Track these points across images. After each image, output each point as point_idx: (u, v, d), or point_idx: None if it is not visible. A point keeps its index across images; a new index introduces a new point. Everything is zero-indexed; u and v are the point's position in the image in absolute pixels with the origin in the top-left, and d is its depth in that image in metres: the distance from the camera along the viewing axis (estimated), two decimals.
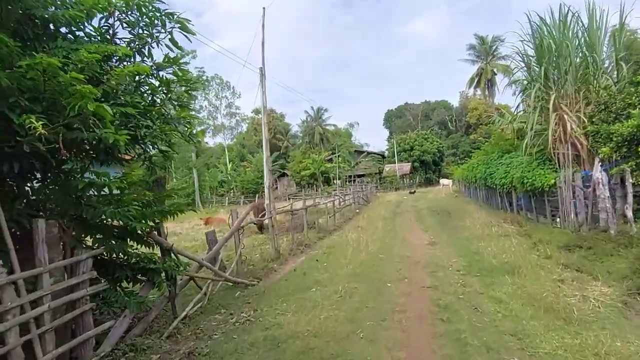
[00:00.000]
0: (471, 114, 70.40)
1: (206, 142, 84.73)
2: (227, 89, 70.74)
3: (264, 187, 55.06)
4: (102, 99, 5.01)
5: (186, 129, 6.25)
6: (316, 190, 54.68)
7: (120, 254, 5.62)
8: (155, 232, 6.34)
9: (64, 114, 4.14)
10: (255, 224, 17.11)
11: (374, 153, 69.63)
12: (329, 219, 18.98)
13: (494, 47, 54.26)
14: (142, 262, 5.76)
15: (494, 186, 17.53)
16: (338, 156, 56.27)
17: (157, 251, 6.44)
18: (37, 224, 4.39)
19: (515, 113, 15.84)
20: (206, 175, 57.24)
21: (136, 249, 6.13)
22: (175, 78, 5.85)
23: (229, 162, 64.87)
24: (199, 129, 55.29)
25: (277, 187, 65.13)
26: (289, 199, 52.58)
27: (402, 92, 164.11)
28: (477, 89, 56.12)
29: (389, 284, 7.36)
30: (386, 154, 72.94)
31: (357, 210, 26.24)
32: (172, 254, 6.52)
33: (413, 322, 5.40)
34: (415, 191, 42.64)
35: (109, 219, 5.10)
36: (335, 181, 57.67)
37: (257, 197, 53.21)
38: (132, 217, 5.13)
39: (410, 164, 60.38)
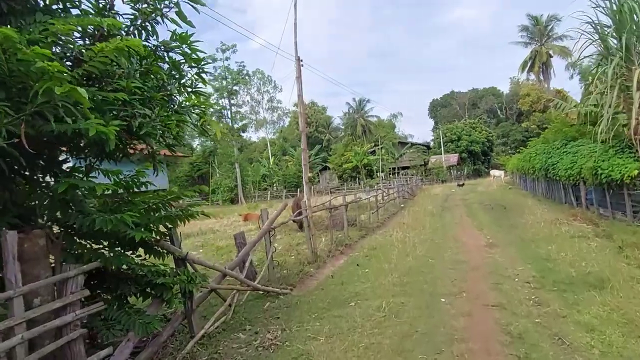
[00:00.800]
0: (523, 100, 66.49)
1: (249, 137, 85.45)
2: (269, 83, 70.70)
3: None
4: (87, 83, 4.17)
5: (198, 118, 5.31)
6: (358, 184, 53.40)
7: (122, 267, 4.77)
8: (168, 239, 5.50)
9: (34, 101, 3.27)
10: (294, 221, 16.26)
11: (419, 144, 67.31)
12: (372, 215, 17.80)
13: (549, 27, 50.55)
14: (149, 275, 4.90)
15: (557, 178, 15.71)
16: (381, 148, 54.62)
17: (171, 260, 5.60)
18: (5, 236, 3.57)
19: (584, 95, 13.94)
20: (249, 170, 57.29)
21: (144, 259, 5.30)
22: (182, 59, 4.93)
23: (272, 156, 64.75)
24: (241, 123, 55.46)
25: (319, 181, 64.38)
26: (330, 193, 51.68)
27: (447, 80, 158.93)
28: (530, 73, 52.61)
29: (443, 299, 6.15)
30: (432, 144, 70.39)
31: (402, 205, 24.85)
32: (188, 264, 5.65)
33: (478, 358, 4.21)
34: (463, 183, 40.49)
35: (100, 227, 4.24)
36: (378, 174, 56.13)
37: (298, 192, 52.62)
38: (129, 224, 4.25)
39: (457, 154, 57.78)
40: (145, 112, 4.28)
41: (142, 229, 4.63)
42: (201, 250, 13.99)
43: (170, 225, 5.46)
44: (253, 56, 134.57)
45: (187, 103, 5.17)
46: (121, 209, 4.97)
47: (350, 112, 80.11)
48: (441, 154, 56.04)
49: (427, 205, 23.05)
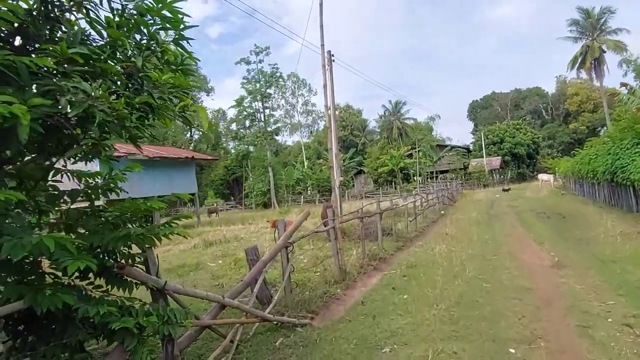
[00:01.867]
0: (570, 100, 62.67)
1: (284, 141, 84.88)
2: (304, 86, 69.92)
3: (339, 186, 53.16)
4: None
5: (178, 102, 3.95)
6: (395, 188, 51.43)
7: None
8: (142, 264, 4.17)
9: None
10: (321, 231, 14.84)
11: (458, 147, 64.47)
12: (409, 223, 16.11)
13: (602, 20, 46.95)
14: (103, 316, 3.55)
15: (627, 182, 13.55)
16: (418, 151, 52.42)
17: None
18: None
19: None
20: (282, 174, 56.42)
21: (105, 290, 3.96)
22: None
23: (306, 160, 63.70)
24: (274, 126, 54.60)
25: (353, 185, 62.73)
26: (365, 197, 49.96)
27: (486, 81, 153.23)
28: (580, 70, 49.08)
29: (512, 349, 4.48)
30: (472, 147, 67.42)
31: (442, 212, 22.94)
32: (169, 297, 4.29)
33: None
34: (509, 188, 37.82)
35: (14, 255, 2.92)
36: (415, 178, 53.94)
37: (332, 196, 51.22)
38: (51, 249, 2.91)
39: (500, 157, 54.73)
40: (82, 87, 2.93)
41: (93, 254, 3.31)
42: (220, 262, 12.76)
43: (148, 245, 4.12)
44: (288, 62, 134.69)
45: (165, 82, 3.82)
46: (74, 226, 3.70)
47: (386, 114, 78.20)
48: (482, 157, 53.24)
49: (471, 212, 21.06)
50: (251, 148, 56.21)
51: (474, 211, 21.49)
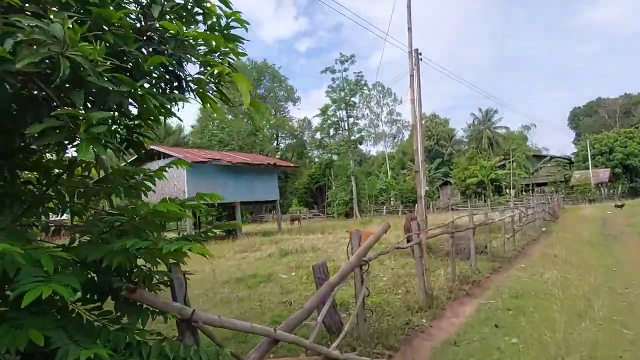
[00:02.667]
0: None
1: (368, 151, 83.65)
2: (389, 95, 68.47)
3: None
4: None
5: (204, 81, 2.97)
6: (484, 201, 47.78)
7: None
8: (159, 283, 3.24)
9: None
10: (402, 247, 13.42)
11: (558, 157, 58.58)
12: (507, 240, 14.05)
13: None
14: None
15: None
16: (512, 161, 48.22)
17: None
18: None
19: None
20: (365, 183, 55.20)
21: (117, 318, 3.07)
22: None
23: (390, 170, 61.93)
24: (358, 135, 53.60)
25: (438, 197, 59.63)
26: (451, 210, 46.97)
27: (589, 87, 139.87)
28: None
29: None
30: (573, 158, 60.94)
31: (543, 229, 20.19)
32: (198, 330, 3.31)
33: None
34: (623, 204, 33.01)
35: None
36: (507, 190, 49.75)
37: (416, 207, 48.88)
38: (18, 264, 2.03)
39: (609, 169, 48.58)
40: (48, 28, 1.98)
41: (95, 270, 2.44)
42: (293, 274, 11.86)
43: (172, 261, 3.18)
44: (372, 73, 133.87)
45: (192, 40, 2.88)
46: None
47: (475, 123, 73.92)
48: (588, 169, 47.53)
49: (580, 230, 18.21)
50: (335, 157, 55.79)
51: (584, 230, 18.57)
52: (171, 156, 23.99)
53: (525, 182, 50.19)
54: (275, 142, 65.69)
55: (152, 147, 25.88)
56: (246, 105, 2.84)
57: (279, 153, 63.16)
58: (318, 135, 58.52)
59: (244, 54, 3.32)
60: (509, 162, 49.28)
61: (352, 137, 51.58)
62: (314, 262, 13.53)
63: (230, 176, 25.77)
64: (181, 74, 3.05)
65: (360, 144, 54.85)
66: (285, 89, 67.73)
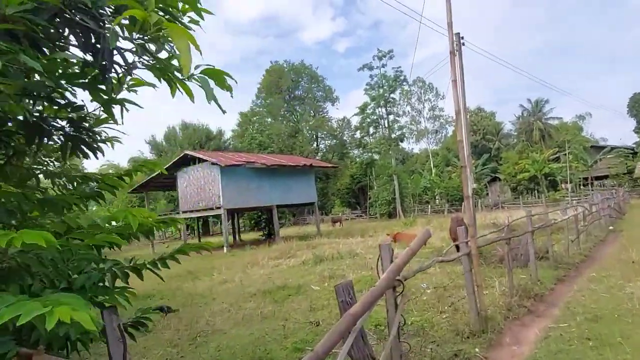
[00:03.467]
0: None
1: (411, 149, 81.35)
2: (430, 90, 66.19)
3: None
4: None
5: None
6: (537, 197, 44.78)
7: None
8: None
9: None
10: (447, 259, 12.04)
11: (620, 148, 54.05)
12: (571, 242, 12.34)
13: None
14: None
15: None
16: (568, 154, 44.83)
17: None
18: None
19: None
20: (408, 182, 53.37)
21: None
22: None
23: (434, 168, 59.66)
24: (398, 132, 51.83)
25: (487, 194, 56.73)
26: (502, 207, 44.33)
27: None
28: None
29: None
30: (636, 148, 56.15)
31: (611, 227, 18.04)
32: None
33: None
34: None
35: None
36: (563, 185, 46.34)
37: (463, 206, 46.51)
38: None
39: None
40: None
41: None
42: (326, 284, 10.80)
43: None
44: (414, 70, 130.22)
45: None
46: None
47: (525, 115, 70.20)
48: None
49: None
50: (375, 156, 54.31)
51: None
52: (205, 161, 23.61)
53: (583, 176, 46.56)
54: (315, 143, 64.94)
55: (186, 152, 25.69)
56: (186, 71, 1.80)
57: (319, 154, 62.37)
58: (358, 135, 57.18)
59: (209, 12, 2.31)
60: (564, 154, 45.87)
61: (393, 135, 49.88)
62: (351, 271, 12.45)
63: (266, 179, 25.08)
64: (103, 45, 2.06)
65: (402, 142, 52.99)
66: (323, 89, 66.90)
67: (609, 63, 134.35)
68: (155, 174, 27.55)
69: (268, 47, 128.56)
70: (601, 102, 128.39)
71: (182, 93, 2.29)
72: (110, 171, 53.55)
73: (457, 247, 12.20)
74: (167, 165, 26.11)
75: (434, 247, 15.97)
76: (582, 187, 45.11)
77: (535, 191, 45.62)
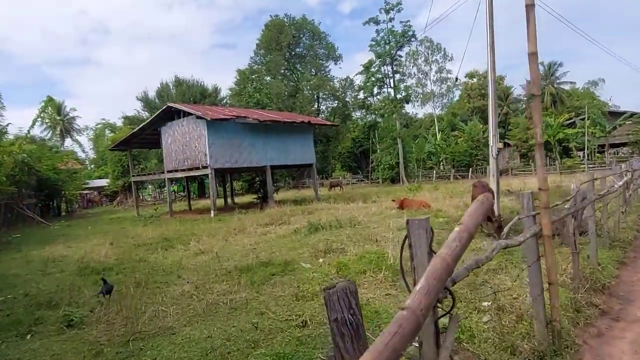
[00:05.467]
0: None
1: (415, 113, 78.10)
2: (438, 51, 62.38)
3: (478, 160, 45.54)
4: None
5: None
6: (550, 164, 42.37)
7: None
8: None
9: None
10: (484, 227, 9.78)
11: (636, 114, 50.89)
12: (621, 214, 10.10)
13: None
14: None
15: None
16: (586, 118, 41.89)
17: None
18: None
19: None
20: (412, 146, 50.80)
21: None
22: None
23: (439, 132, 56.88)
24: (404, 93, 48.69)
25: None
26: (512, 174, 42.03)
27: None
28: None
29: None
30: None
31: None
32: None
33: None
34: None
35: None
36: (577, 153, 43.73)
37: (470, 172, 44.21)
38: None
39: None
40: None
41: None
42: (321, 261, 8.59)
43: None
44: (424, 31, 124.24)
45: None
46: None
47: None
48: None
49: None
50: (379, 119, 51.47)
51: None
52: (190, 114, 21.07)
53: (599, 143, 43.91)
54: (316, 104, 61.86)
55: (169, 104, 23.06)
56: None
57: (320, 116, 59.45)
58: (361, 95, 54.02)
59: None
60: (580, 119, 43.02)
61: (398, 96, 46.85)
62: (351, 243, 10.21)
63: (259, 137, 22.60)
64: None
65: (407, 103, 49.89)
66: (325, 46, 63.11)
67: (626, 29, 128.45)
68: (137, 128, 25.10)
69: (270, 5, 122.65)
70: (617, 69, 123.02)
71: None
72: (106, 130, 50.92)
73: (489, 219, 9.92)
74: (151, 119, 23.61)
75: (447, 215, 13.77)
76: (598, 154, 42.57)
77: (548, 158, 43.11)
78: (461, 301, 5.36)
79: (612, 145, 45.38)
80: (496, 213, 9.85)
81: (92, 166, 64.44)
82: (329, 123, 35.42)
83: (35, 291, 8.16)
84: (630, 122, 41.89)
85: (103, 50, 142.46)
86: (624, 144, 44.81)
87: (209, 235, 13.98)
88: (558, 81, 63.19)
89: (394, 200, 16.84)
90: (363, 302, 5.98)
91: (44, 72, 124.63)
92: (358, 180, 54.06)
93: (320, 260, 8.79)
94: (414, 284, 2.58)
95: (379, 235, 10.73)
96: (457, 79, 64.15)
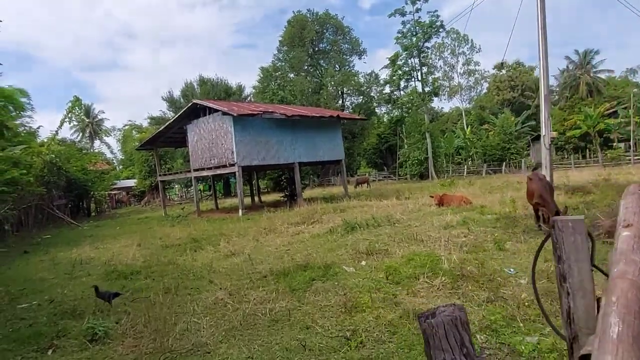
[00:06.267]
0: None
1: (441, 108, 76.23)
2: (465, 42, 60.41)
3: (511, 154, 43.69)
4: None
5: None
6: (590, 157, 40.36)
7: None
8: None
9: None
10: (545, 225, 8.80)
11: None
12: None
13: None
14: None
15: None
16: (632, 107, 39.49)
17: None
18: None
19: None
20: (441, 141, 49.29)
21: None
22: None
23: (467, 127, 55.13)
24: (432, 86, 47.20)
25: (528, 154, 52.21)
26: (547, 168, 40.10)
27: None
28: None
29: None
30: None
31: None
32: None
33: None
34: None
35: None
36: (619, 144, 41.39)
37: (503, 167, 42.49)
38: None
39: None
40: None
41: None
42: (363, 263, 7.79)
43: None
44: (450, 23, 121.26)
45: None
46: None
47: (571, 68, 63.71)
48: None
49: None
50: (405, 113, 50.15)
51: None
52: (216, 110, 20.53)
53: None
54: (340, 100, 60.86)
55: (195, 101, 22.60)
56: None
57: (345, 112, 58.48)
58: (387, 89, 52.73)
59: None
60: (623, 108, 40.70)
61: (427, 89, 45.45)
62: (394, 243, 9.38)
63: (287, 132, 21.90)
64: None
65: (436, 96, 48.36)
66: (349, 41, 61.96)
67: None
68: (163, 127, 24.77)
69: (291, 5, 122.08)
70: None
71: None
72: (134, 131, 51.27)
73: (540, 216, 8.92)
74: (176, 117, 23.20)
75: (493, 212, 12.71)
76: (637, 146, 40.21)
77: (587, 150, 41.05)
78: None
79: None
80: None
81: (121, 167, 65.30)
82: (357, 117, 34.46)
83: (60, 297, 7.62)
84: None
85: (129, 53, 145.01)
86: None
87: (239, 235, 13.36)
88: (595, 70, 60.36)
89: (432, 196, 15.85)
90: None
91: (74, 77, 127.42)
92: (384, 177, 52.93)
93: (363, 262, 8.00)
94: (567, 316, 1.78)
95: (424, 234, 9.84)
96: (502, 63, 61.97)
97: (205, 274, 8.44)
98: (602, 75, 60.24)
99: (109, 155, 65.80)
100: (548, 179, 11.23)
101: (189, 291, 7.23)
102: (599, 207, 11.17)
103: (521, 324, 4.61)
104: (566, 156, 42.57)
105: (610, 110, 42.02)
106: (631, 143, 36.93)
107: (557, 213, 8.41)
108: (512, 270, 6.66)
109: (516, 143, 46.07)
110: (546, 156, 12.21)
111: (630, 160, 33.58)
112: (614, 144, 40.64)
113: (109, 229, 21.16)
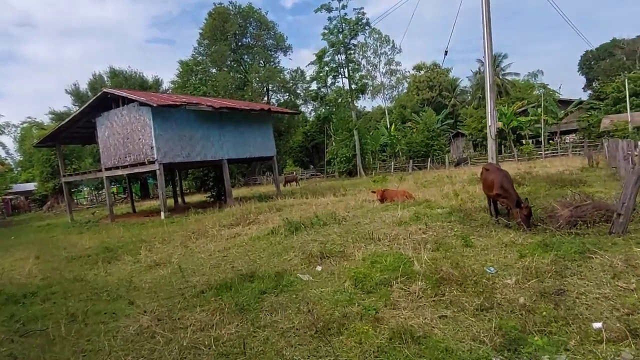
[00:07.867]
0: None
1: (364, 107, 77.32)
2: (387, 43, 61.62)
3: (435, 151, 45.08)
4: None
5: None
6: (504, 152, 42.67)
7: None
8: None
9: None
10: (512, 216, 8.20)
11: (587, 101, 52.25)
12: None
13: None
14: None
15: None
16: (541, 106, 42.28)
17: None
18: None
19: None
20: (368, 138, 49.53)
21: None
22: None
23: (390, 125, 56.20)
24: (359, 83, 47.26)
25: (449, 151, 54.37)
26: (469, 163, 41.88)
27: (598, 33, 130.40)
28: None
29: None
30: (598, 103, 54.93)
31: None
32: None
33: None
34: None
35: None
36: (529, 140, 44.22)
37: (429, 162, 43.58)
38: None
39: None
40: None
41: None
42: (319, 269, 6.62)
43: None
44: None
45: None
46: None
47: (482, 71, 67.54)
48: (626, 112, 41.22)
49: None
50: (333, 110, 49.81)
51: None
52: (132, 101, 18.19)
53: (550, 130, 44.70)
54: (266, 97, 59.18)
55: (105, 90, 19.88)
56: None
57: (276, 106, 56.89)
58: (314, 86, 52.05)
59: None
60: (532, 107, 43.56)
61: (354, 86, 45.38)
62: (347, 242, 8.25)
63: (214, 127, 20.07)
64: None
65: (363, 93, 48.55)
66: (274, 36, 60.45)
67: (557, 26, 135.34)
68: (67, 121, 21.69)
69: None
70: (553, 62, 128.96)
71: None
72: (34, 129, 45.47)
73: (498, 208, 8.36)
74: (83, 108, 20.36)
75: (441, 205, 12.10)
76: (550, 141, 43.26)
77: (502, 146, 43.38)
78: None
79: (564, 132, 46.54)
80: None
81: (19, 169, 58.32)
82: (289, 110, 33.23)
83: None
84: (574, 110, 42.95)
85: (29, 44, 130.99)
86: (573, 131, 46.07)
87: (163, 242, 11.59)
88: (503, 72, 64.57)
89: (374, 192, 15.08)
90: (415, 332, 4.11)
91: None
92: (312, 175, 52.25)
93: (319, 268, 6.82)
94: None
95: (378, 232, 8.87)
96: (446, 52, 64.05)
97: (124, 292, 6.76)
98: (509, 78, 64.80)
99: (3, 155, 58.37)
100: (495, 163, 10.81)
101: (103, 318, 5.57)
102: (541, 197, 10.97)
103: (536, 337, 3.71)
104: (485, 152, 44.59)
105: (522, 109, 44.82)
106: (542, 139, 39.55)
107: (519, 203, 7.86)
108: (492, 269, 5.86)
109: (439, 140, 47.63)
110: (492, 146, 11.94)
111: (542, 154, 35.86)
112: (525, 140, 43.37)
113: (1, 239, 18.00)
